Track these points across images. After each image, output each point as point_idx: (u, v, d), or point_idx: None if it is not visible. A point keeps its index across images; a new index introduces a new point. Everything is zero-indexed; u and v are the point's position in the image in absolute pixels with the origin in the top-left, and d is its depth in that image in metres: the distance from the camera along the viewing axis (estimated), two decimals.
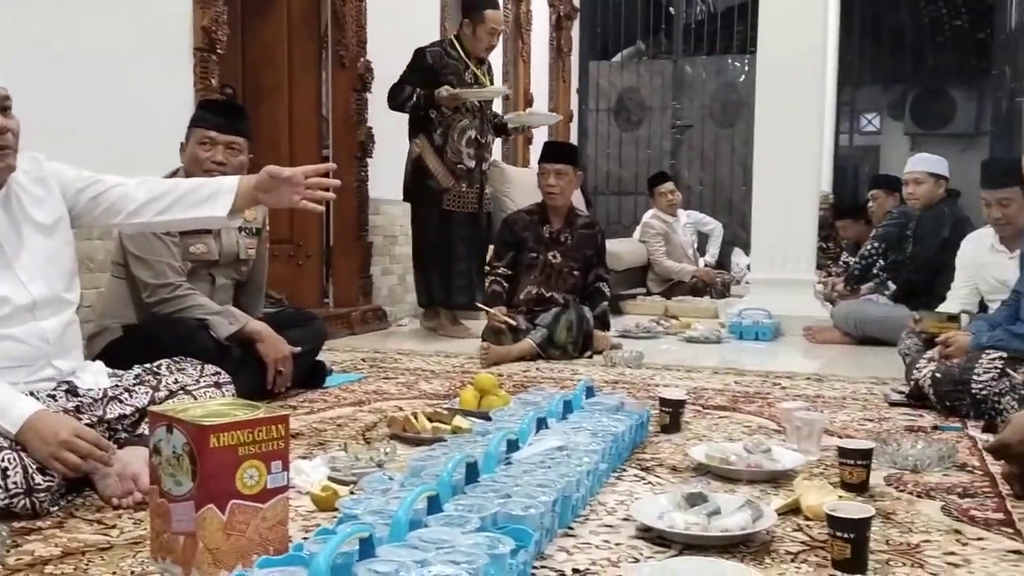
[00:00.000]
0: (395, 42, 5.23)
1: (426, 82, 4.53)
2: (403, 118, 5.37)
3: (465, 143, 4.62)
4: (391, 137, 5.13)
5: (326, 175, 2.19)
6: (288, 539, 1.53)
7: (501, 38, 6.90)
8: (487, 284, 4.24)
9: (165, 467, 1.48)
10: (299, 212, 4.76)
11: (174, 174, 2.90)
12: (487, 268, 4.37)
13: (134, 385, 2.12)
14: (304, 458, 2.18)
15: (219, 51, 3.81)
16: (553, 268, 4.21)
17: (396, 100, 4.62)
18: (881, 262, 4.98)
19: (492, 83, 4.84)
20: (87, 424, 1.92)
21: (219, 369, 2.36)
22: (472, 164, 4.67)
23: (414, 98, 4.53)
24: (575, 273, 4.24)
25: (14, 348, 1.95)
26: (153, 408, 1.65)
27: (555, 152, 4.31)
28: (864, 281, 5.24)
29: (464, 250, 4.68)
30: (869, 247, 5.03)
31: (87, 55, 3.22)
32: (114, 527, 1.75)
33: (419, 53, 4.68)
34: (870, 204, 5.65)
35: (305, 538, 1.52)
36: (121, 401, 2.07)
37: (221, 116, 2.90)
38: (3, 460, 1.75)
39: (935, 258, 4.45)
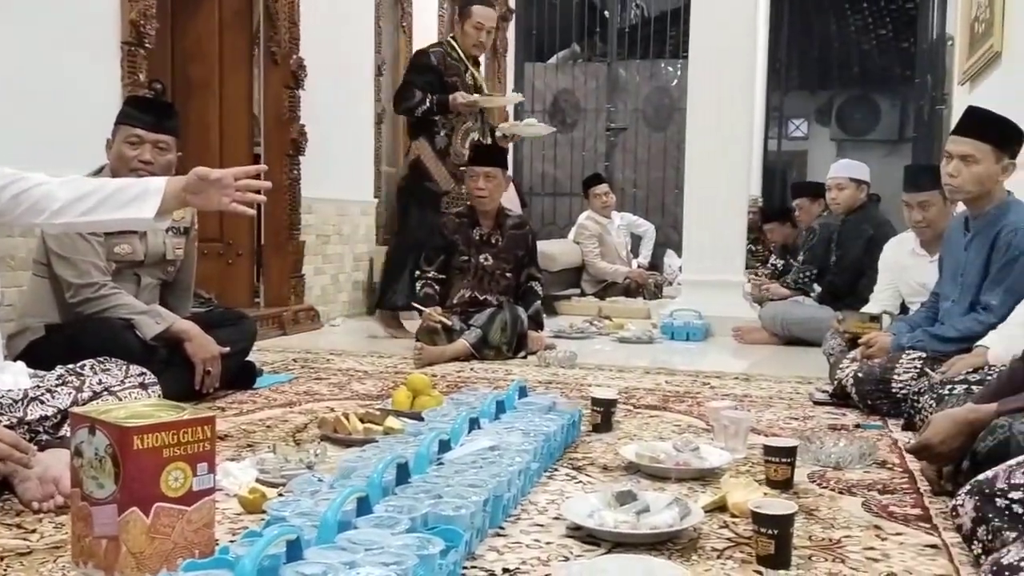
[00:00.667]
0: (328, 40, 5.20)
1: (432, 84, 4.52)
2: (338, 116, 5.36)
3: (468, 146, 4.54)
4: (324, 135, 5.10)
5: (257, 177, 2.16)
6: (214, 542, 1.51)
7: (438, 38, 6.92)
8: (419, 288, 4.20)
9: (87, 469, 1.45)
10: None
11: (99, 172, 2.84)
12: (418, 272, 4.31)
13: (56, 386, 2.07)
14: (232, 460, 2.15)
15: (147, 45, 3.73)
16: (485, 270, 4.21)
17: (405, 105, 4.57)
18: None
19: (482, 85, 4.81)
20: (6, 426, 1.87)
21: (144, 370, 2.32)
22: None
23: (427, 104, 4.47)
24: (508, 275, 4.25)
25: None
26: (75, 409, 1.61)
27: (483, 155, 4.30)
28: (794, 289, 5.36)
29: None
30: (804, 274, 5.14)
31: (9, 49, 3.12)
32: (34, 531, 1.71)
33: (422, 54, 4.66)
34: (796, 213, 5.77)
35: (232, 541, 1.50)
36: (42, 402, 2.01)
37: (149, 114, 2.84)
38: None
39: (858, 261, 4.59)
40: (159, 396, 2.24)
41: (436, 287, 4.17)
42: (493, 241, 4.24)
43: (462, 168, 4.48)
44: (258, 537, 1.33)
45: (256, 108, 4.91)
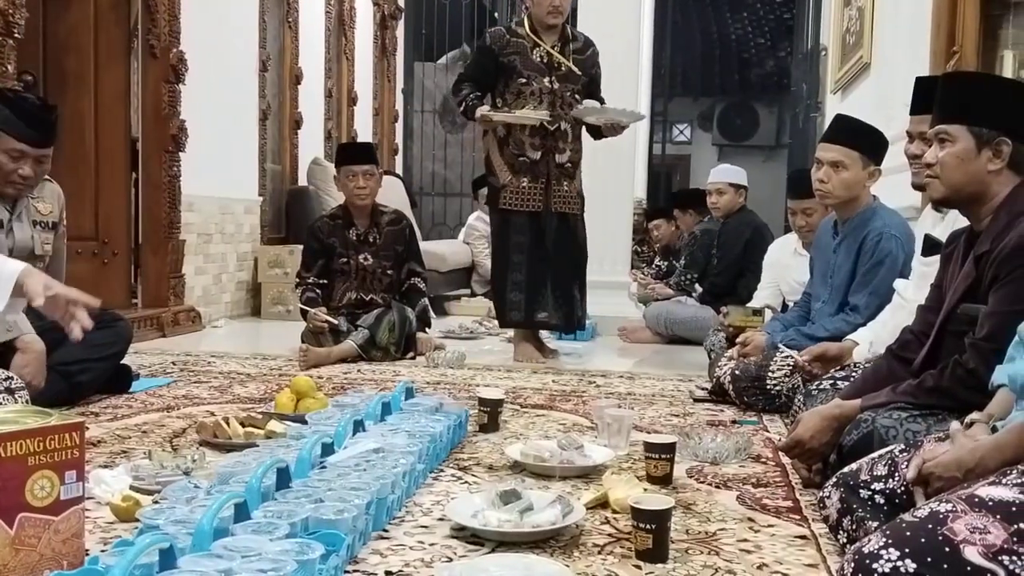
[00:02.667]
0: (211, 34, 5.06)
1: (486, 69, 4.04)
2: (221, 111, 5.23)
3: (528, 132, 4.00)
4: (206, 131, 4.96)
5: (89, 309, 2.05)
6: (84, 552, 1.45)
7: (324, 34, 6.84)
8: (300, 293, 4.12)
9: None
10: (104, 207, 4.61)
11: None
12: (297, 279, 4.22)
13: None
14: (105, 467, 2.07)
15: (16, 35, 3.55)
16: (366, 270, 4.17)
17: (455, 99, 4.16)
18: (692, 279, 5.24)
19: (570, 61, 4.08)
20: None
21: (11, 375, 2.21)
22: (536, 156, 4.01)
23: (462, 107, 4.05)
24: (389, 272, 4.21)
25: None
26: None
27: (359, 153, 4.26)
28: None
29: (520, 259, 4.05)
30: (685, 277, 5.28)
31: None
32: None
33: (480, 38, 4.21)
34: (676, 219, 5.93)
35: (103, 551, 1.44)
36: None
37: (36, 129, 2.67)
38: None
39: (737, 262, 4.78)
40: (27, 401, 2.14)
41: (318, 291, 4.10)
42: (371, 240, 4.20)
43: (521, 158, 4.01)
44: (129, 546, 1.29)
45: (134, 102, 4.74)
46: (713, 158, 11.86)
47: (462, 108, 4.05)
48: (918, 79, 2.43)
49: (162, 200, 4.73)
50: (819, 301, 3.06)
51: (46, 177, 2.92)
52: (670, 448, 2.11)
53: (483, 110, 3.94)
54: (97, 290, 4.48)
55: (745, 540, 1.75)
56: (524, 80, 3.99)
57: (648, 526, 1.59)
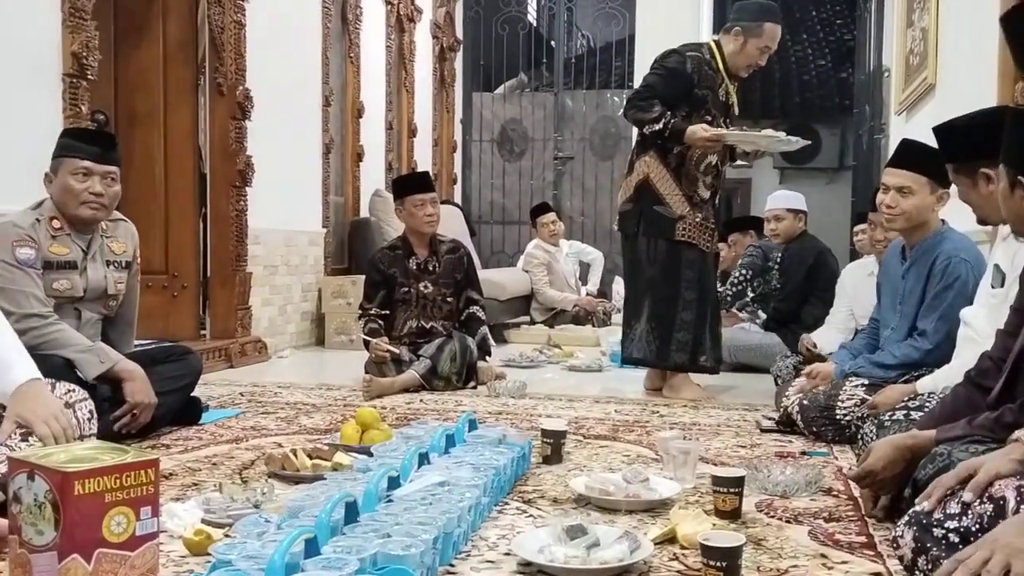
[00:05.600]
0: (276, 70, 5.18)
1: (677, 94, 3.78)
2: (285, 146, 5.34)
3: (703, 170, 3.85)
4: (272, 166, 5.07)
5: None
6: None
7: (385, 68, 6.96)
8: (363, 324, 4.16)
9: (26, 516, 1.42)
10: (174, 241, 4.73)
11: (39, 206, 2.79)
12: (359, 311, 4.26)
13: None
14: (177, 500, 2.11)
15: (90, 77, 3.68)
16: (427, 298, 4.21)
17: (638, 115, 3.82)
18: (751, 293, 5.17)
19: (739, 106, 4.04)
20: None
21: (73, 386, 2.29)
22: (707, 195, 3.91)
23: (661, 125, 3.73)
24: (449, 299, 4.25)
25: None
26: (14, 454, 1.57)
27: (423, 182, 4.33)
28: (733, 305, 5.42)
29: (692, 297, 3.86)
30: (737, 275, 5.22)
31: None
32: None
33: (674, 54, 3.89)
34: (730, 247, 5.85)
35: None
36: None
37: (96, 145, 2.79)
38: None
39: (800, 288, 4.70)
40: (90, 413, 2.19)
41: (380, 322, 4.15)
42: (430, 268, 4.24)
43: (695, 196, 3.85)
44: None
45: (202, 139, 4.86)
46: (774, 181, 11.72)
47: (660, 125, 3.73)
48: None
49: (229, 234, 4.83)
50: (888, 328, 3.00)
51: (120, 217, 3.01)
52: (739, 482, 2.07)
53: (703, 128, 3.69)
54: (167, 322, 4.67)
55: None
56: (710, 119, 3.82)
57: (719, 563, 1.56)
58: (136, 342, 3.18)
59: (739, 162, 4.05)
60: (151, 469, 1.46)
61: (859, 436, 2.59)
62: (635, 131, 4.17)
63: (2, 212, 2.84)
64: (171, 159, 4.76)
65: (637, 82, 5.43)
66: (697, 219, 3.85)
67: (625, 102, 3.90)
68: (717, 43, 3.92)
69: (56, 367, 2.55)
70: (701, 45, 4.00)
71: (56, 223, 2.77)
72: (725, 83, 3.91)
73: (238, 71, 4.82)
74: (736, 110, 4.00)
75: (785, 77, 12.75)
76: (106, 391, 2.70)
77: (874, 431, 2.37)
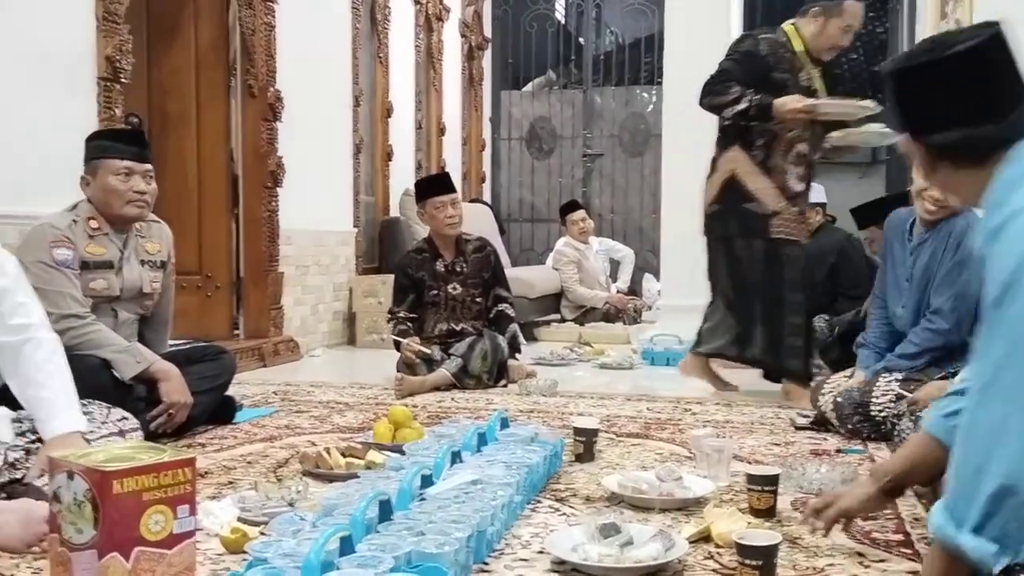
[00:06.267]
0: (306, 72, 5.21)
1: (754, 77, 3.58)
2: (316, 147, 5.37)
3: (793, 160, 3.64)
4: (302, 166, 5.10)
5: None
6: None
7: (414, 68, 6.98)
8: (393, 326, 4.16)
9: (66, 515, 1.44)
10: (207, 242, 4.78)
11: (75, 207, 2.83)
12: (388, 314, 4.26)
13: (35, 442, 2.04)
14: (213, 498, 2.13)
15: (123, 80, 3.72)
16: (456, 300, 4.21)
17: (714, 99, 3.65)
18: None
19: (827, 93, 3.73)
20: None
21: (127, 414, 2.31)
22: (800, 188, 3.69)
23: (744, 104, 3.53)
24: (478, 300, 4.25)
25: None
26: (53, 454, 1.59)
27: (444, 183, 4.33)
28: None
29: (799, 299, 3.66)
30: None
31: None
32: None
33: (747, 38, 3.76)
34: None
35: None
36: (15, 467, 1.99)
37: (134, 145, 2.85)
38: None
39: (826, 282, 4.62)
40: (140, 438, 2.22)
41: (409, 324, 4.15)
42: (458, 269, 4.24)
43: (786, 188, 3.64)
44: None
45: (233, 141, 4.90)
46: None
47: (744, 104, 3.53)
48: None
49: (261, 234, 4.87)
50: (899, 307, 2.95)
51: (154, 218, 3.04)
52: (774, 480, 2.06)
53: (793, 99, 3.47)
54: (201, 322, 4.71)
55: None
56: None
57: (755, 562, 1.55)
58: (171, 342, 3.22)
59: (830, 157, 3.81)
60: (188, 468, 1.47)
61: (895, 432, 2.56)
62: (711, 122, 3.88)
63: (40, 215, 2.87)
64: (204, 161, 4.80)
65: (667, 78, 5.41)
66: (793, 213, 3.65)
67: (700, 92, 3.71)
68: (794, 26, 3.71)
69: (93, 367, 2.59)
70: (775, 28, 3.76)
71: (94, 223, 2.81)
72: (807, 67, 3.68)
73: (269, 73, 4.85)
74: (824, 96, 3.69)
75: None
76: (142, 391, 2.74)
77: (911, 427, 2.34)
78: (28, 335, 2.11)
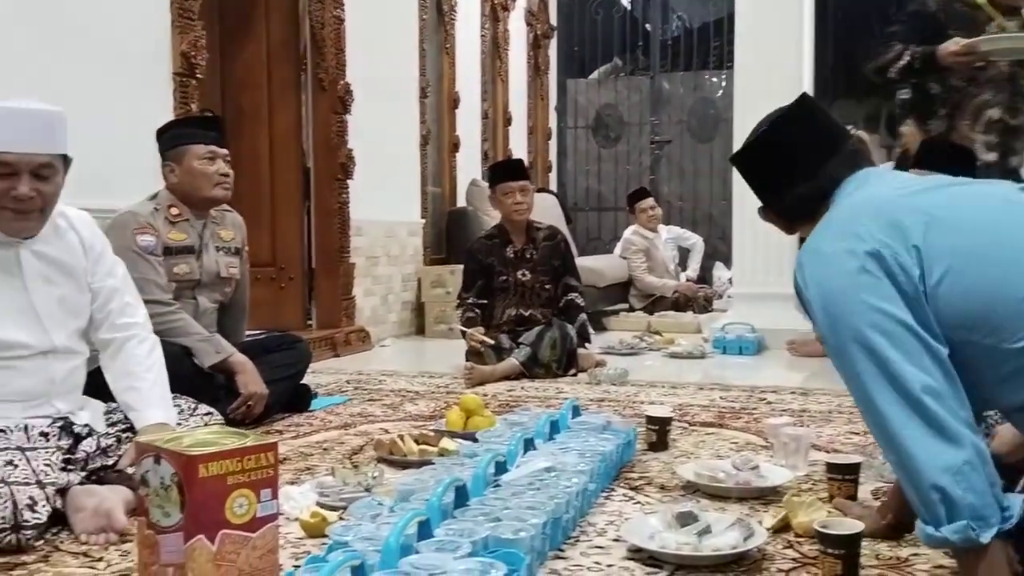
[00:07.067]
0: (374, 64, 5.25)
1: (926, 39, 3.24)
2: (384, 138, 5.41)
3: (983, 128, 3.26)
4: (371, 158, 5.15)
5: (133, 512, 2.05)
6: (278, 568, 1.52)
7: (480, 58, 6.99)
8: (461, 314, 4.17)
9: (153, 498, 1.47)
10: (280, 234, 4.86)
11: (155, 197, 2.90)
12: (458, 300, 4.29)
13: (124, 432, 2.10)
14: (292, 483, 2.17)
15: (199, 76, 3.80)
16: (525, 286, 4.21)
17: (878, 63, 3.36)
18: None
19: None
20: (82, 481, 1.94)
21: (212, 410, 2.36)
22: (990, 157, 3.30)
23: (906, 58, 3.22)
24: (547, 287, 4.23)
25: (20, 382, 1.98)
26: (140, 438, 1.63)
27: (515, 170, 4.32)
28: None
29: None
30: None
31: (61, 82, 3.20)
32: (100, 560, 1.73)
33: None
34: None
35: (296, 566, 1.51)
36: (107, 454, 2.05)
37: (215, 131, 2.95)
38: None
39: None
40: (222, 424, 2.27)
41: (477, 311, 4.16)
42: (528, 256, 4.23)
43: (980, 159, 3.22)
44: (322, 563, 1.34)
45: (304, 134, 4.97)
46: (882, 159, 11.30)
47: (907, 59, 3.24)
48: None
49: (333, 226, 4.93)
50: None
51: (227, 208, 3.11)
52: (854, 468, 2.01)
53: (953, 42, 3.12)
54: (275, 313, 4.79)
55: (941, 566, 1.64)
56: (982, 64, 3.24)
57: (837, 551, 1.52)
58: (248, 332, 3.28)
59: None
60: (270, 452, 1.49)
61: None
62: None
63: (119, 208, 2.95)
64: (276, 155, 4.88)
65: (737, 62, 5.32)
66: None
67: (865, 69, 3.45)
68: None
69: (175, 355, 2.64)
70: None
71: (174, 210, 2.89)
72: (997, 19, 3.23)
73: (338, 66, 4.91)
74: None
75: None
76: (222, 380, 2.80)
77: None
78: (132, 332, 2.19)
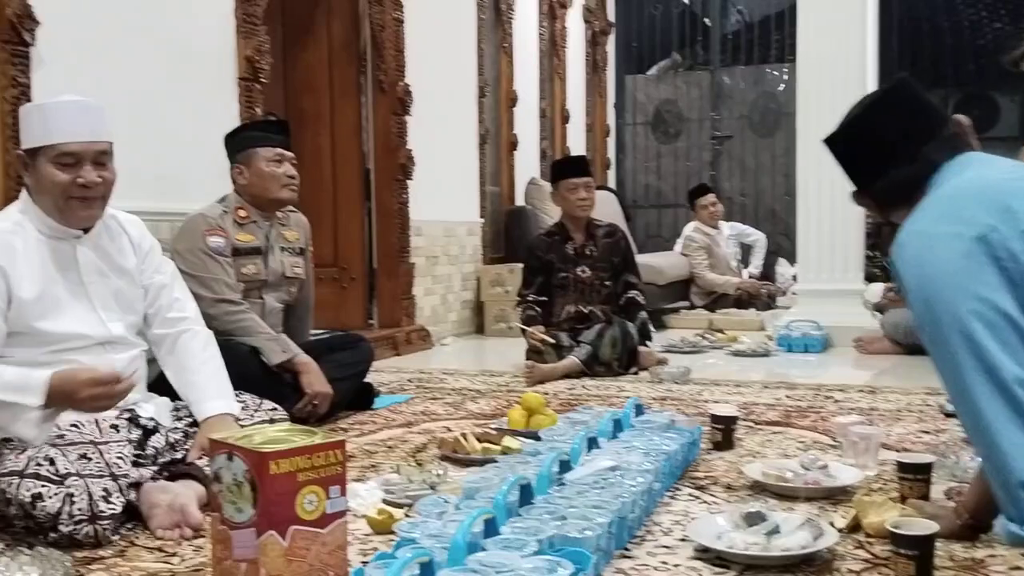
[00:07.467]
0: (433, 65, 5.29)
1: None
2: (443, 139, 5.44)
3: None
4: (431, 158, 5.18)
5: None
6: (347, 564, 1.54)
7: (538, 56, 6.99)
8: (521, 311, 4.18)
9: (226, 494, 1.50)
10: (342, 235, 4.92)
11: (223, 199, 2.96)
12: (518, 297, 4.30)
13: (192, 426, 2.15)
14: (358, 480, 2.19)
15: (262, 80, 3.86)
16: (585, 283, 4.20)
17: (1010, 56, 3.39)
18: None
19: None
20: (154, 477, 1.99)
21: (276, 406, 2.40)
22: None
23: None
24: (607, 284, 4.22)
25: None
26: (214, 435, 1.67)
27: (579, 166, 4.33)
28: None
29: None
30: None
31: (133, 88, 3.28)
32: (175, 555, 1.77)
33: None
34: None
35: (364, 562, 1.52)
36: (175, 448, 2.10)
37: (283, 134, 3.03)
38: (69, 486, 1.79)
39: None
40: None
41: (538, 308, 4.16)
42: (588, 253, 4.22)
43: None
44: (391, 559, 1.35)
45: (365, 135, 5.02)
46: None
47: None
48: None
49: (393, 226, 4.98)
50: None
51: (291, 209, 3.16)
52: (927, 468, 1.97)
53: None
54: (338, 313, 4.85)
55: (1018, 568, 1.60)
56: None
57: (911, 552, 1.49)
58: (311, 332, 3.33)
59: None
60: (339, 450, 1.51)
61: None
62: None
63: (187, 211, 3.02)
64: (338, 156, 4.94)
65: (799, 55, 5.23)
66: None
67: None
68: None
69: (243, 355, 2.70)
70: None
71: (242, 212, 2.95)
72: None
73: (398, 68, 4.95)
74: None
75: (958, 43, 11.98)
76: (288, 378, 2.85)
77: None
78: (184, 327, 2.24)
